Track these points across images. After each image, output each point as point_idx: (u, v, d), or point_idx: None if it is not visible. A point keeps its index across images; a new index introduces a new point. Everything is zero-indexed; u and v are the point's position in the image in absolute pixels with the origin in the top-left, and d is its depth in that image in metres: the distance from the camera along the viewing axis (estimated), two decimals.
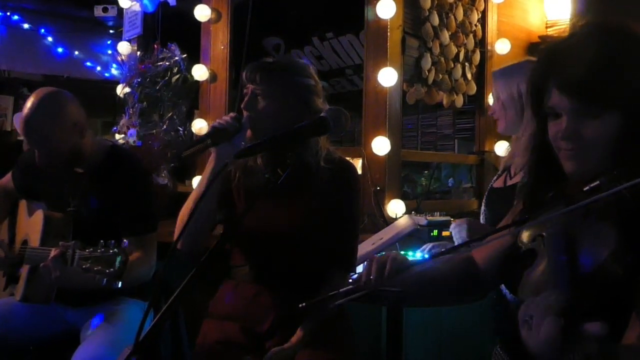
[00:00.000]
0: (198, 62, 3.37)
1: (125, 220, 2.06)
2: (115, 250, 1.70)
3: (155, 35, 3.71)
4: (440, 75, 3.15)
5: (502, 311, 1.55)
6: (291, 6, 4.04)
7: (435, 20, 3.06)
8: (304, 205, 1.80)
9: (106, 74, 6.11)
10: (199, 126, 3.30)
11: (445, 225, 2.41)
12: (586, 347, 0.80)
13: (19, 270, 2.12)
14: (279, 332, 1.74)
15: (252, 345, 1.75)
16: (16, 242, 2.22)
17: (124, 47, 3.83)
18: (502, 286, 1.49)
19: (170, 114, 3.42)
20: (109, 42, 5.97)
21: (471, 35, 3.32)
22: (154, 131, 3.40)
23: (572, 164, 1.11)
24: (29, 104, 2.02)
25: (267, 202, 1.76)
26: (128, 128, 3.47)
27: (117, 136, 3.57)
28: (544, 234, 1.09)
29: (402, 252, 2.20)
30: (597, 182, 1.01)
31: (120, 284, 1.75)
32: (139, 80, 3.49)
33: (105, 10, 4.86)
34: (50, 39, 6.06)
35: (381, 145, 2.78)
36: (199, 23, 3.37)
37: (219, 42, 3.33)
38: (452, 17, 3.19)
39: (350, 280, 1.32)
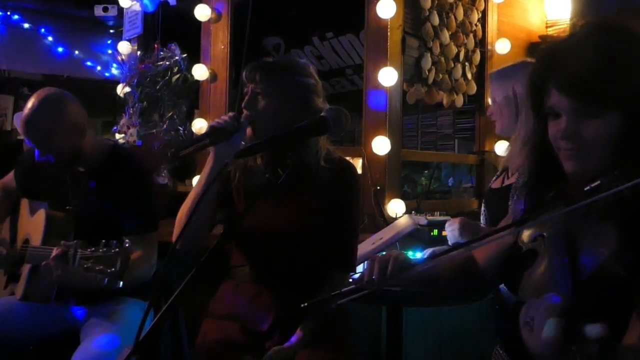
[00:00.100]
0: (198, 61, 3.37)
1: (127, 219, 2.06)
2: (117, 250, 1.70)
3: (156, 35, 3.70)
4: (441, 75, 3.15)
5: (502, 311, 1.55)
6: (291, 6, 4.04)
7: (436, 20, 3.06)
8: (304, 205, 1.80)
9: (106, 74, 6.10)
10: (199, 126, 3.30)
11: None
12: (587, 348, 0.80)
13: (20, 269, 2.12)
14: (279, 332, 1.74)
15: (252, 345, 1.75)
16: (17, 241, 2.23)
17: (124, 47, 3.83)
18: (502, 286, 1.49)
19: (171, 113, 3.42)
20: (109, 42, 5.96)
21: (471, 35, 3.32)
22: (154, 131, 3.40)
23: (572, 164, 1.11)
24: (30, 104, 2.02)
25: (267, 202, 1.76)
26: (128, 128, 3.47)
27: (117, 136, 3.57)
28: (545, 234, 1.09)
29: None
30: (598, 182, 1.01)
31: (121, 284, 1.75)
32: (139, 79, 3.49)
33: (105, 9, 4.85)
34: (50, 38, 6.05)
35: (381, 145, 2.78)
36: (199, 23, 3.37)
37: (219, 42, 3.33)
38: (452, 16, 3.19)
39: (352, 280, 1.32)
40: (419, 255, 2.21)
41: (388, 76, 2.78)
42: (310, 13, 4.06)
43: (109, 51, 5.92)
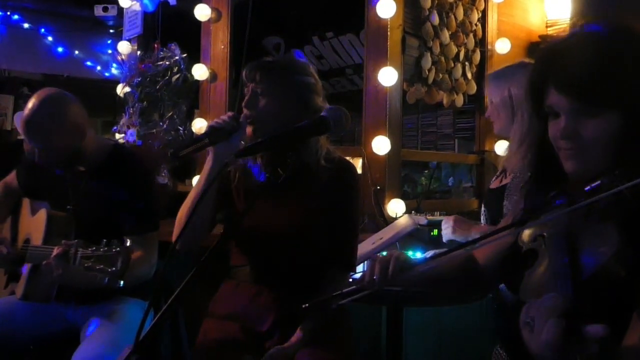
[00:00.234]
0: (198, 61, 3.37)
1: (127, 219, 2.06)
2: (118, 249, 1.71)
3: (156, 35, 3.71)
4: (441, 75, 3.15)
5: (502, 311, 1.55)
6: (291, 6, 4.04)
7: (436, 19, 3.06)
8: (304, 205, 1.80)
9: (106, 74, 6.11)
10: (199, 125, 3.30)
11: None
12: (588, 348, 0.80)
13: (21, 269, 2.12)
14: (279, 332, 1.74)
15: (252, 344, 1.75)
16: (18, 240, 2.23)
17: (124, 47, 3.83)
18: (502, 286, 1.49)
19: (171, 113, 3.42)
20: (109, 42, 5.97)
21: (471, 35, 3.32)
22: (154, 131, 3.40)
23: (572, 164, 1.11)
24: (30, 104, 2.02)
25: (267, 202, 1.76)
26: (128, 127, 3.47)
27: (117, 135, 3.57)
28: (545, 234, 1.09)
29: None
30: (598, 182, 1.01)
31: (122, 283, 1.75)
32: (139, 79, 3.49)
33: (105, 9, 4.85)
34: (50, 38, 6.06)
35: (381, 145, 2.78)
36: (199, 23, 3.37)
37: (219, 42, 3.33)
38: (452, 16, 3.19)
39: (353, 280, 1.32)
40: (419, 255, 2.21)
41: (388, 76, 2.78)
42: (310, 13, 4.06)
43: (109, 51, 5.92)
